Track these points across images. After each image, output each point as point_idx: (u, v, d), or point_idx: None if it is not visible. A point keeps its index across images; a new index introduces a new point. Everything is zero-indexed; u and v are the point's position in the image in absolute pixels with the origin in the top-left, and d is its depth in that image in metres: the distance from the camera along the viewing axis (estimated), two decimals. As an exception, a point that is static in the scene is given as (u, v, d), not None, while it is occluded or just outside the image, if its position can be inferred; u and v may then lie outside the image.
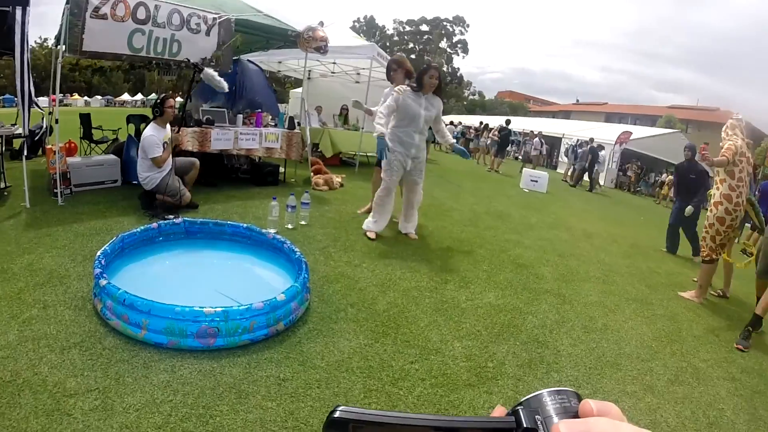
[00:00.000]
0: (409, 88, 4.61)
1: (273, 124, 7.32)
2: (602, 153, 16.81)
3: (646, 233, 9.11)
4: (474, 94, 64.32)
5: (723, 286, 5.27)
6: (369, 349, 2.81)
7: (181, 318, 2.48)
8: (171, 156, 4.97)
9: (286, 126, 7.26)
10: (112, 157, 6.05)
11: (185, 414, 2.03)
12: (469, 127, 25.40)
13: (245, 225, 4.20)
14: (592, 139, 17.31)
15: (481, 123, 22.25)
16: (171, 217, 4.58)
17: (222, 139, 6.16)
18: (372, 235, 4.91)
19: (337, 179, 7.59)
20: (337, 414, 0.32)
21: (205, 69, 5.19)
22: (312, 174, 7.56)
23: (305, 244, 4.39)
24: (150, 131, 4.84)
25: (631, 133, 22.41)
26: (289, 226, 4.89)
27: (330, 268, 3.99)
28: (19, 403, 1.96)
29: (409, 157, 4.73)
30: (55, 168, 4.85)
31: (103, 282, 2.70)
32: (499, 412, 0.36)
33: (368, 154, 11.26)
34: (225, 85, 5.67)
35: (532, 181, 12.48)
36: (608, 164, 20.40)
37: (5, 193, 5.13)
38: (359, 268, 4.07)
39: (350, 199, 6.81)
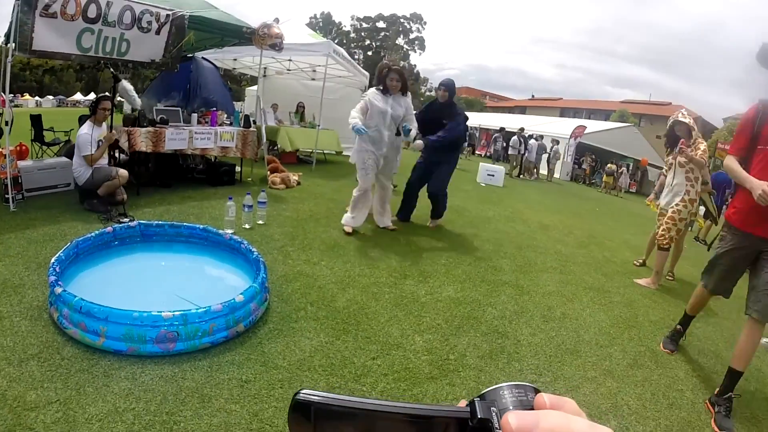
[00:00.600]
0: (377, 91, 4.96)
1: (228, 122, 7.23)
2: (531, 142, 17.91)
3: (600, 223, 9.42)
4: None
5: (670, 267, 5.58)
6: (330, 346, 2.86)
7: (140, 323, 2.46)
8: (107, 152, 5.11)
9: (241, 124, 7.20)
10: (64, 159, 5.86)
11: (148, 421, 2.03)
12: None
13: (201, 226, 4.17)
14: (522, 129, 18.14)
15: None
16: (126, 220, 4.52)
17: (176, 138, 6.07)
18: (348, 230, 5.16)
19: (293, 177, 7.57)
20: (299, 397, 0.32)
21: (122, 82, 5.18)
22: (268, 173, 7.53)
23: (263, 244, 4.40)
24: (85, 129, 4.91)
25: (586, 127, 23.08)
26: (246, 226, 4.88)
27: (288, 267, 4.02)
28: (-25, 417, 1.93)
29: (381, 156, 5.03)
30: (5, 173, 4.70)
31: (58, 290, 2.66)
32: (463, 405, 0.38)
33: (325, 152, 11.25)
34: (138, 102, 5.77)
35: (488, 175, 12.70)
36: (564, 157, 21.04)
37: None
38: (318, 266, 4.11)
39: (307, 197, 6.82)
